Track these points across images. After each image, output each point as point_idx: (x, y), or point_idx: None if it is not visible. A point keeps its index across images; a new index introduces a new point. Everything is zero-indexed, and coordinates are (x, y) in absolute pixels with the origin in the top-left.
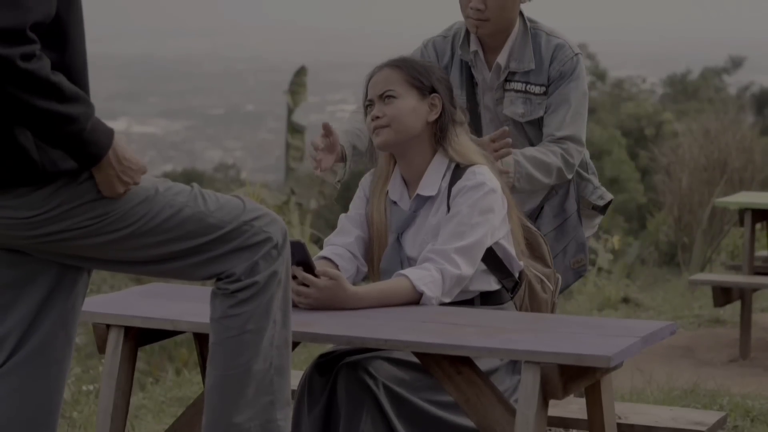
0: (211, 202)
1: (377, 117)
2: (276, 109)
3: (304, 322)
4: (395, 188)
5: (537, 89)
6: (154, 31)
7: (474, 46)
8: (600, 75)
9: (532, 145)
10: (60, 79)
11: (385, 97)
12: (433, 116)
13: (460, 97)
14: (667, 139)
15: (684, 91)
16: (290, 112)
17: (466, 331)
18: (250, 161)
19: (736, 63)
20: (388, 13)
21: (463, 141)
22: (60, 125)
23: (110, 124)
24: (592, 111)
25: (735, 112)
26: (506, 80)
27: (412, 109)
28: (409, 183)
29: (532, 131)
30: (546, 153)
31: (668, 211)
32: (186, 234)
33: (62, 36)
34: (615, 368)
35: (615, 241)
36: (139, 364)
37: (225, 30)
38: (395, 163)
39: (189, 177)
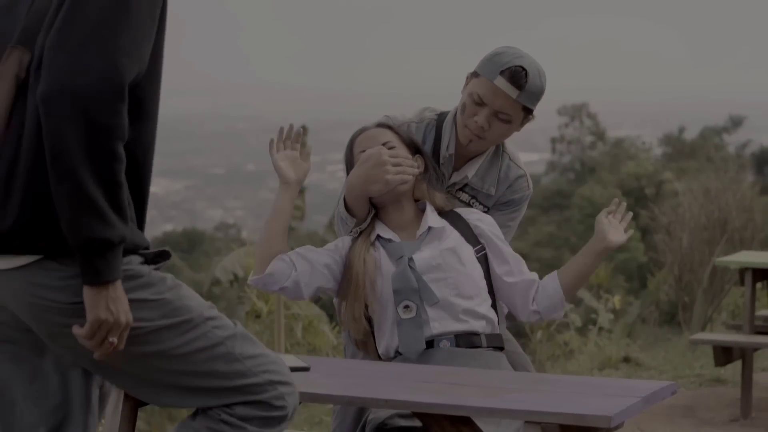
0: (247, 347)
1: None
2: None
3: (303, 382)
4: (385, 232)
5: (480, 207)
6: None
7: (452, 149)
8: (600, 135)
9: None
10: (125, 181)
11: (387, 146)
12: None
13: None
14: (667, 198)
15: (683, 150)
16: None
17: (467, 391)
18: (250, 220)
19: (735, 122)
20: (368, 74)
21: (440, 194)
22: (96, 224)
23: None
24: (592, 171)
25: (735, 171)
26: (458, 187)
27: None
28: (396, 230)
29: None
30: None
31: (669, 271)
32: (211, 372)
33: (140, 107)
34: (616, 428)
35: (615, 300)
36: (140, 424)
37: (222, 90)
38: (375, 215)
39: (190, 236)
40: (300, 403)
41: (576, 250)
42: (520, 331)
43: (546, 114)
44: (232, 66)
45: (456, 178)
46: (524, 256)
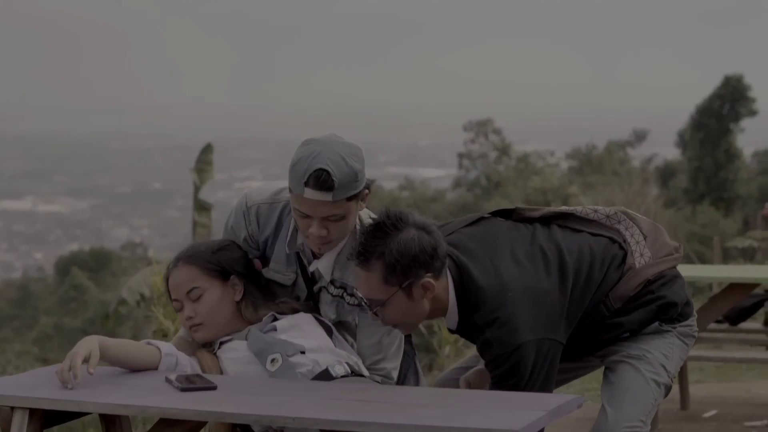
0: None
1: (190, 317)
2: (183, 187)
3: (210, 401)
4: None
5: (351, 300)
6: (63, 109)
7: (301, 238)
8: (504, 149)
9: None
10: None
11: (192, 295)
12: (238, 296)
13: (287, 271)
14: None
15: (589, 164)
16: (197, 189)
17: (375, 408)
18: (157, 239)
19: (639, 136)
20: (276, 91)
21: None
22: None
23: (15, 203)
24: (497, 185)
25: (640, 185)
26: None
27: (219, 299)
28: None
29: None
30: None
31: None
32: None
33: None
34: None
35: None
36: None
37: (136, 106)
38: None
39: (97, 256)
40: (206, 423)
41: None
42: (428, 347)
43: (452, 130)
44: (153, 80)
45: (313, 267)
46: None
